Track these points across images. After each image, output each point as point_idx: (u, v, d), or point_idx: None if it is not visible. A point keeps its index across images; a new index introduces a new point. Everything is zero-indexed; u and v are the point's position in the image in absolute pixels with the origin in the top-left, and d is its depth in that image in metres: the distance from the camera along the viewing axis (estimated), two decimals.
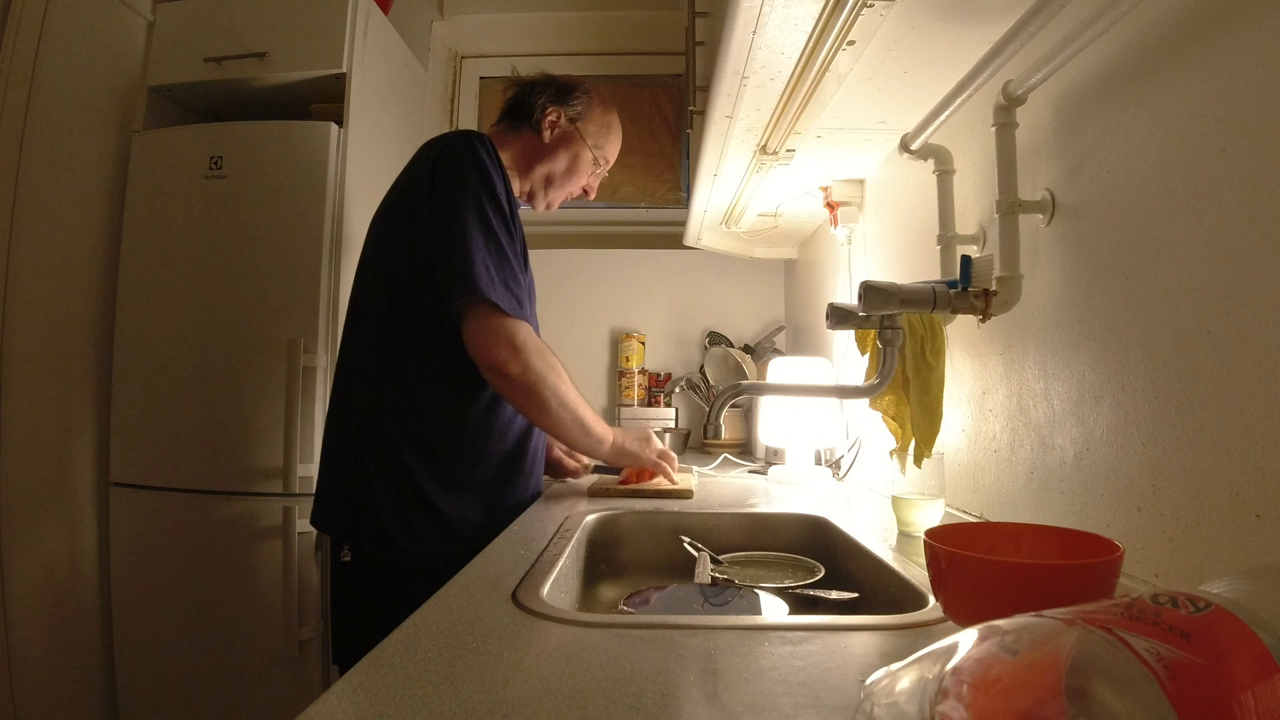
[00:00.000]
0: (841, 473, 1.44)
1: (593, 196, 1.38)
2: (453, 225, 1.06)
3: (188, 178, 1.73)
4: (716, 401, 1.05)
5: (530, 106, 1.27)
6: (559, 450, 1.43)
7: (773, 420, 1.51)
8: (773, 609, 0.79)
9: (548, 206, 1.33)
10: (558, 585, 0.73)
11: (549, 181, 1.29)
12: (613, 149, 1.35)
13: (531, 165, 1.28)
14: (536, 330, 1.21)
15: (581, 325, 2.35)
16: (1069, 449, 0.78)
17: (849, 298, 1.53)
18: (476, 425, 1.12)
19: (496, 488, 1.14)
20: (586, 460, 1.44)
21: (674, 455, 1.30)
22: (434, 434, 1.09)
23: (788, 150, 1.25)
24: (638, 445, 1.25)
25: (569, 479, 1.44)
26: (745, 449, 2.11)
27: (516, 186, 1.28)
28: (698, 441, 2.24)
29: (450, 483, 1.09)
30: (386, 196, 1.20)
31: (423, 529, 1.07)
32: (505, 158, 1.23)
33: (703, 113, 1.20)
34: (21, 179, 1.59)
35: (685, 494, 1.21)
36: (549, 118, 1.27)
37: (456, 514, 1.09)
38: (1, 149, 1.57)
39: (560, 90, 1.29)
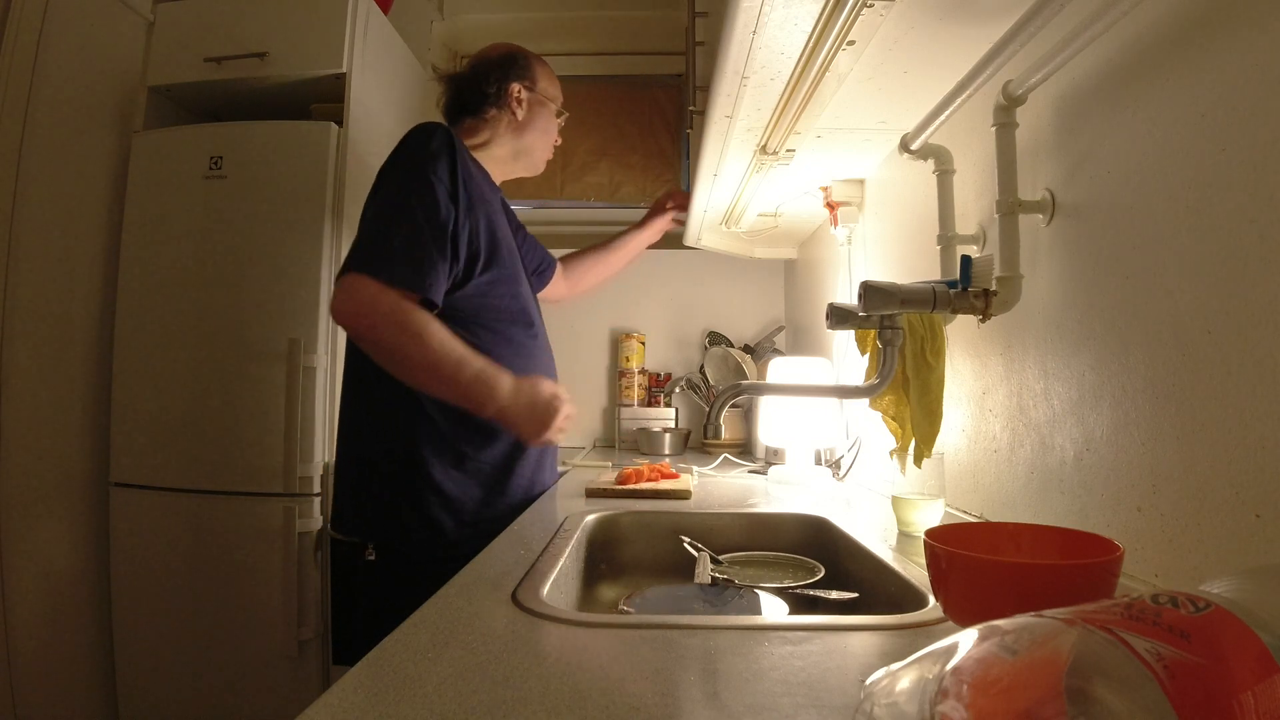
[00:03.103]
0: (841, 473, 1.44)
1: (559, 142, 1.41)
2: (369, 206, 1.10)
3: (188, 178, 1.73)
4: (716, 401, 1.05)
5: (486, 93, 1.29)
6: None
7: (773, 420, 1.51)
8: (773, 609, 0.79)
9: (535, 169, 1.37)
10: (558, 585, 0.73)
11: (533, 148, 1.34)
12: (560, 93, 1.39)
13: (517, 140, 1.32)
14: (539, 319, 1.26)
15: (581, 325, 2.35)
16: (1069, 449, 0.78)
17: (849, 298, 1.53)
18: None
19: (506, 471, 1.15)
20: None
21: (564, 399, 1.10)
22: (445, 419, 1.10)
23: (788, 150, 1.25)
24: (527, 410, 1.07)
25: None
26: (745, 449, 2.10)
27: (504, 169, 1.33)
28: (698, 441, 2.24)
29: (462, 469, 1.11)
30: None
31: (441, 522, 1.09)
32: (485, 145, 1.28)
33: (703, 113, 1.20)
34: (21, 179, 1.58)
35: (684, 494, 1.21)
36: (514, 95, 1.30)
37: (469, 500, 1.11)
38: (1, 149, 1.57)
39: (508, 65, 1.32)
